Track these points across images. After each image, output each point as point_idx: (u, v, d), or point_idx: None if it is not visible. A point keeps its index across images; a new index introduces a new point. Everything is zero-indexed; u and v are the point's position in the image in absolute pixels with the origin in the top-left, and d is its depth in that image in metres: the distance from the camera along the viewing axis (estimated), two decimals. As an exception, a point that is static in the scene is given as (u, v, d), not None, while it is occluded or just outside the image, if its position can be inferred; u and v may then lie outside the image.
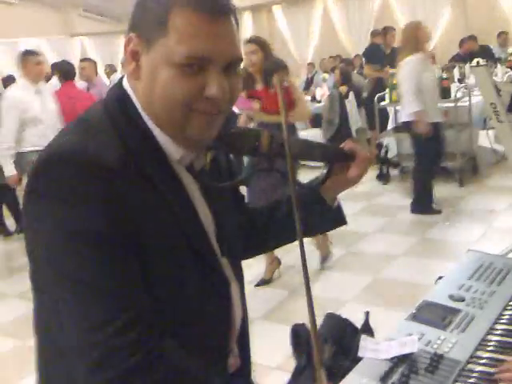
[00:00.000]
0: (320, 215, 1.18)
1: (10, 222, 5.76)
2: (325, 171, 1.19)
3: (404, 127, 4.90)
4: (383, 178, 1.38)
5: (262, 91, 3.70)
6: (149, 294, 0.85)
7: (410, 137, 4.91)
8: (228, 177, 1.11)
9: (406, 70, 4.47)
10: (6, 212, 5.78)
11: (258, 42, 3.70)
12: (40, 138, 4.09)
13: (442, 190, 5.44)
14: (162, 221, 0.88)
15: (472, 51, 8.04)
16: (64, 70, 5.00)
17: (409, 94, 4.44)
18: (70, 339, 0.81)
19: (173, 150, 0.92)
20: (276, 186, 3.13)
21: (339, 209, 1.22)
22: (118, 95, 0.93)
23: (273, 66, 3.66)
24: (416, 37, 4.55)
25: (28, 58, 4.39)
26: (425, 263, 3.75)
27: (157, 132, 0.91)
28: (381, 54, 7.43)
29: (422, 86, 4.44)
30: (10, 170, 4.28)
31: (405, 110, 4.63)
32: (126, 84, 0.93)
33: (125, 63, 0.92)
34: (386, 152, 1.26)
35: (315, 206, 1.17)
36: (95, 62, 6.56)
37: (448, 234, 4.29)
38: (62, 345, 0.84)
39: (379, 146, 1.27)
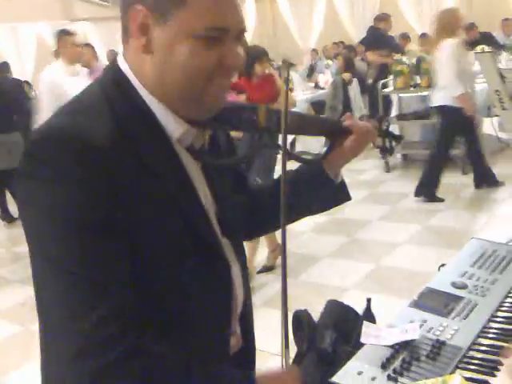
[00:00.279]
0: (324, 190, 1.16)
1: (13, 209, 5.77)
2: (326, 146, 1.18)
3: (439, 110, 4.80)
4: (387, 151, 1.37)
5: (244, 83, 3.53)
6: (145, 280, 0.84)
7: (440, 121, 4.85)
8: (228, 155, 1.10)
9: (447, 53, 4.39)
10: (9, 198, 5.79)
11: None
12: None
13: (445, 178, 5.43)
14: (158, 201, 0.86)
15: (475, 38, 7.97)
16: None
17: (452, 77, 4.35)
18: (54, 326, 0.80)
19: (173, 127, 0.91)
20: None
21: (343, 184, 1.21)
22: (114, 73, 0.91)
23: (254, 55, 3.44)
24: (453, 22, 4.53)
25: (64, 37, 4.23)
26: (427, 251, 3.75)
27: (157, 109, 0.89)
28: (386, 39, 7.35)
29: (462, 70, 4.38)
30: None
31: (441, 93, 4.54)
32: (121, 62, 0.91)
33: (128, 37, 0.88)
34: (388, 125, 1.25)
35: (319, 180, 1.15)
36: (93, 47, 6.52)
37: (451, 222, 4.28)
38: (44, 326, 0.83)
39: (380, 119, 1.26)
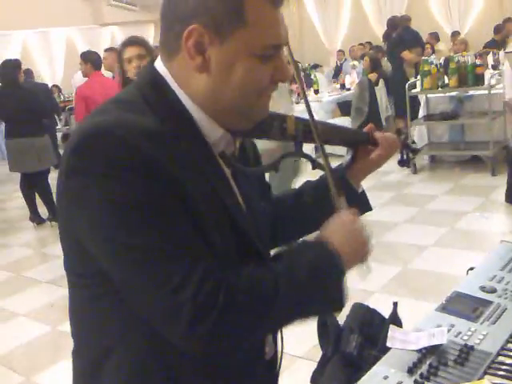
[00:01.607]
0: (347, 200, 1.16)
1: (43, 210, 5.88)
2: (349, 156, 1.20)
3: None
4: (404, 163, 1.39)
5: None
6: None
7: None
8: (255, 164, 1.11)
9: None
10: (38, 200, 5.90)
11: (146, 45, 3.09)
12: None
13: (473, 179, 5.35)
14: (206, 194, 0.88)
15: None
16: (93, 60, 5.05)
17: None
18: (155, 304, 0.81)
19: (210, 131, 0.92)
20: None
21: (364, 195, 1.22)
22: (152, 78, 0.92)
23: None
24: None
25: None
26: (455, 254, 3.69)
27: (195, 113, 0.90)
28: (418, 38, 7.37)
29: None
30: None
31: None
32: (160, 68, 0.92)
33: (175, 52, 0.88)
34: (406, 137, 1.29)
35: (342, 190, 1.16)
36: (116, 51, 6.58)
37: (479, 225, 4.20)
38: (141, 311, 0.85)
39: (399, 131, 1.27)
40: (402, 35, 7.47)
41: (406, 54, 7.19)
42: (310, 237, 0.98)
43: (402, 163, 1.35)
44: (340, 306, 0.96)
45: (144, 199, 0.80)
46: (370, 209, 1.24)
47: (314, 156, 1.08)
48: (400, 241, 4.12)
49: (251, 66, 0.86)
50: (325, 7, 12.83)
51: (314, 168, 1.07)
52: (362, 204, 1.22)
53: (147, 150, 0.80)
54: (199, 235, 0.85)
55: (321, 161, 1.06)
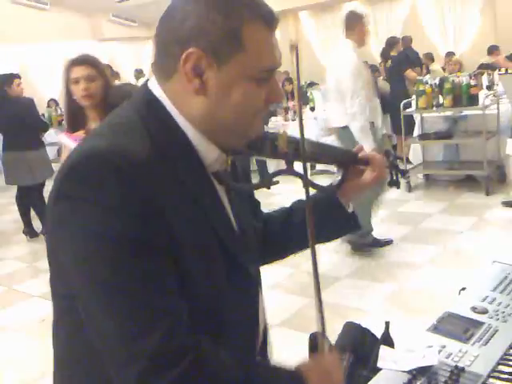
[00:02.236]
0: (336, 219, 1.19)
1: (36, 224, 5.85)
2: (339, 175, 1.21)
3: None
4: (393, 184, 1.40)
5: None
6: (184, 297, 0.84)
7: None
8: (244, 180, 1.12)
9: None
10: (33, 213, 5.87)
11: (97, 65, 2.70)
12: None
13: (468, 198, 5.36)
14: (196, 223, 0.87)
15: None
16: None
17: None
18: (112, 346, 0.79)
19: (207, 152, 0.92)
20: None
21: (354, 214, 1.23)
22: (147, 99, 0.92)
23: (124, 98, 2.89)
24: None
25: (359, 20, 4.14)
26: (449, 273, 3.69)
27: (191, 134, 0.90)
28: (419, 57, 7.68)
29: None
30: (371, 144, 3.98)
31: None
32: (155, 89, 0.92)
33: (172, 74, 0.88)
34: (394, 158, 1.30)
35: (332, 209, 1.18)
36: (111, 67, 6.63)
37: (473, 244, 4.20)
38: (100, 349, 0.82)
39: (387, 153, 1.29)
40: (406, 54, 7.69)
41: (410, 73, 7.34)
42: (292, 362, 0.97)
43: (391, 184, 1.37)
44: None
45: (126, 235, 0.78)
46: (359, 228, 1.25)
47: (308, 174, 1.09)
48: (394, 259, 4.12)
49: (248, 89, 0.88)
50: (322, 25, 12.95)
51: (304, 186, 1.08)
52: (351, 223, 1.23)
53: (140, 180, 0.80)
54: (184, 281, 0.84)
55: (312, 179, 1.07)
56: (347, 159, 1.21)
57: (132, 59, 13.80)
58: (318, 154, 1.14)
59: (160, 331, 0.77)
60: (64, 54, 13.19)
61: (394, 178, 1.35)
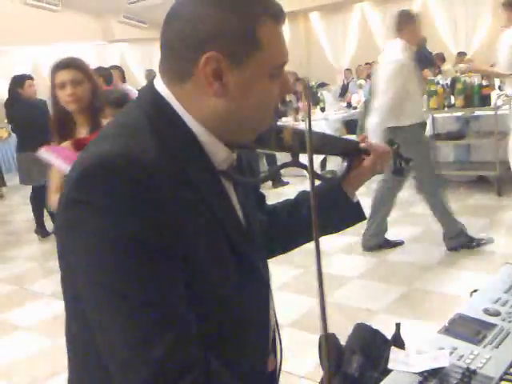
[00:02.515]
0: (341, 210, 1.19)
1: (48, 224, 5.89)
2: (344, 165, 1.21)
3: None
4: (398, 172, 1.39)
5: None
6: (195, 303, 0.84)
7: None
8: (250, 174, 1.12)
9: None
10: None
11: (83, 69, 2.57)
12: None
13: (479, 199, 5.32)
14: (207, 225, 0.87)
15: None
16: (105, 75, 5.12)
17: None
18: (118, 351, 0.79)
19: (216, 152, 0.92)
20: None
21: (359, 204, 1.23)
22: (154, 99, 0.91)
23: (112, 102, 2.63)
24: None
25: (411, 20, 4.06)
26: (459, 274, 3.67)
27: (200, 134, 0.90)
28: (432, 58, 7.69)
29: None
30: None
31: None
32: (162, 90, 0.91)
33: (185, 78, 0.87)
34: (398, 147, 1.29)
35: (338, 200, 1.18)
36: (123, 70, 6.65)
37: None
38: (106, 353, 0.82)
39: (391, 141, 1.28)
40: (420, 54, 7.63)
41: (426, 72, 7.32)
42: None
43: (395, 172, 1.36)
44: None
45: (139, 240, 0.78)
46: (364, 218, 1.24)
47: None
48: (405, 260, 4.10)
49: (265, 86, 0.89)
50: (332, 26, 12.92)
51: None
52: (356, 214, 1.23)
53: (151, 185, 0.79)
54: (196, 283, 0.84)
55: (322, 173, 1.07)
56: (350, 149, 1.21)
57: (142, 60, 13.86)
58: (322, 144, 1.14)
59: (167, 340, 0.77)
60: (75, 54, 13.36)
61: (399, 165, 1.34)
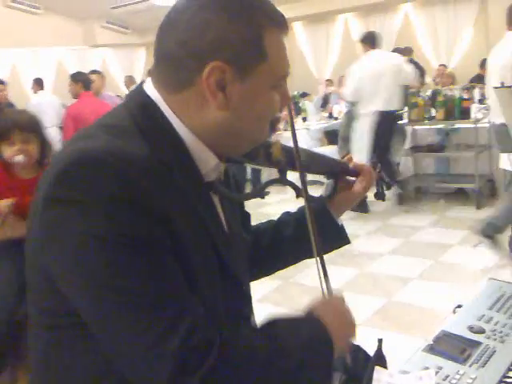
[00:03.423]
0: (325, 232, 1.13)
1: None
2: (330, 186, 1.19)
3: None
4: (380, 196, 1.39)
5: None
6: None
7: None
8: (237, 191, 1.09)
9: None
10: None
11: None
12: None
13: (458, 212, 5.35)
14: (195, 229, 0.84)
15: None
16: (84, 80, 5.04)
17: None
18: (134, 353, 0.74)
19: (205, 160, 0.88)
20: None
21: (343, 228, 1.21)
22: (142, 102, 0.87)
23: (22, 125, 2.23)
24: None
25: None
26: (439, 287, 3.66)
27: (191, 142, 0.86)
28: (418, 68, 7.68)
29: None
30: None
31: None
32: (150, 92, 0.87)
33: (182, 88, 0.84)
34: (380, 171, 1.30)
35: (323, 221, 1.14)
36: (101, 74, 6.59)
37: (463, 258, 4.18)
38: (118, 361, 0.77)
39: (374, 164, 1.27)
40: (415, 63, 7.75)
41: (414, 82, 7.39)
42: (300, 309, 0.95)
43: (377, 196, 1.36)
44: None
45: (131, 235, 0.73)
46: (348, 242, 1.22)
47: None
48: (384, 272, 4.09)
49: (269, 97, 0.86)
50: (315, 36, 12.99)
51: (297, 196, 1.05)
52: (340, 237, 1.20)
53: (138, 180, 0.75)
54: (188, 277, 0.79)
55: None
56: (338, 169, 1.18)
57: (124, 66, 13.76)
58: (310, 163, 1.11)
59: (182, 329, 0.73)
60: (56, 58, 13.21)
61: (381, 190, 1.34)
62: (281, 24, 0.86)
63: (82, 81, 5.06)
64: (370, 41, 5.53)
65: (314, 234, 0.96)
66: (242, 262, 1.01)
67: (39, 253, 0.81)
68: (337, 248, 1.22)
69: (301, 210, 1.17)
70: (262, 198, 1.00)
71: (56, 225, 0.75)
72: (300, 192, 1.03)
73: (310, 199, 1.10)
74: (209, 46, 0.80)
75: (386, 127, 5.36)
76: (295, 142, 0.96)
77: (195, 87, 0.82)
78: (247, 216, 1.19)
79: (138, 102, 0.88)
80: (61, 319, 0.83)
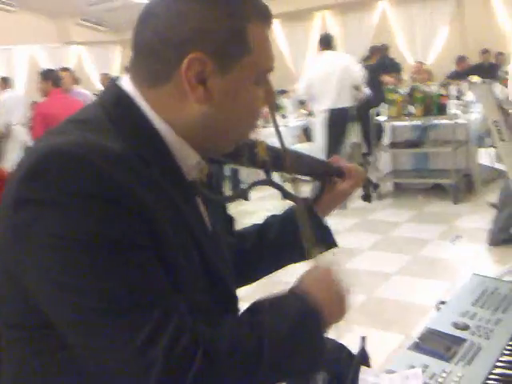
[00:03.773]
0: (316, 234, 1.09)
1: None
2: (317, 188, 1.17)
3: None
4: (366, 198, 1.40)
5: None
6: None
7: None
8: (217, 191, 1.04)
9: None
10: None
11: None
12: None
13: (436, 207, 5.39)
14: (176, 228, 0.78)
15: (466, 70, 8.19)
16: (54, 77, 4.95)
17: None
18: (115, 364, 0.69)
19: (186, 157, 0.84)
20: None
21: (330, 230, 1.18)
22: (117, 98, 0.82)
23: None
24: None
25: None
26: (419, 282, 3.67)
27: (170, 138, 0.81)
28: (396, 63, 8.10)
29: None
30: None
31: None
32: (127, 87, 0.82)
33: (162, 81, 0.79)
34: (367, 171, 1.28)
35: (311, 224, 1.09)
36: (71, 71, 6.51)
37: (442, 253, 4.21)
38: (98, 372, 0.72)
39: (360, 165, 1.28)
40: (381, 61, 7.95)
41: (385, 78, 7.50)
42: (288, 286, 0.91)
43: (364, 198, 1.34)
44: (320, 365, 0.89)
45: (109, 235, 0.68)
46: (335, 245, 1.19)
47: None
48: (365, 268, 4.08)
49: (251, 92, 0.82)
50: (293, 33, 12.99)
51: (284, 198, 1.01)
52: (328, 239, 1.18)
53: (113, 175, 0.70)
54: (171, 277, 0.74)
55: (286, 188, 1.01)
56: (325, 170, 1.15)
57: (99, 63, 13.59)
58: (298, 165, 1.08)
59: (166, 335, 0.68)
60: (29, 56, 12.98)
61: (368, 192, 1.32)
62: (265, 16, 0.82)
63: (51, 78, 4.96)
64: (324, 42, 6.00)
65: (306, 234, 0.92)
66: (226, 262, 0.97)
67: (7, 259, 0.75)
68: (326, 251, 1.17)
69: (287, 212, 1.13)
70: (246, 199, 0.96)
71: (25, 226, 0.70)
72: (286, 194, 0.99)
73: (296, 201, 1.06)
74: (188, 37, 0.76)
75: (338, 124, 5.73)
76: (281, 141, 0.93)
77: (174, 80, 0.78)
78: (231, 219, 1.15)
79: (112, 97, 0.83)
80: (33, 332, 0.77)
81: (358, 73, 6.00)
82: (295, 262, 1.12)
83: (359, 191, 1.29)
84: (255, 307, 0.84)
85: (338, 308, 0.95)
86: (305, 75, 6.08)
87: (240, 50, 0.78)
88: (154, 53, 0.78)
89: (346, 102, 5.78)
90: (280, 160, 0.96)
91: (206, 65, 0.76)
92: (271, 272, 1.17)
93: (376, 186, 1.31)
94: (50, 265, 0.69)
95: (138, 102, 0.81)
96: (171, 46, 0.76)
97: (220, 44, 0.76)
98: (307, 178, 1.17)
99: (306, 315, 0.83)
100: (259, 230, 1.16)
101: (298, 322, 0.82)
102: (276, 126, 0.99)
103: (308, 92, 5.91)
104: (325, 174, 1.16)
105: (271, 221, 1.15)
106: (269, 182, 1.00)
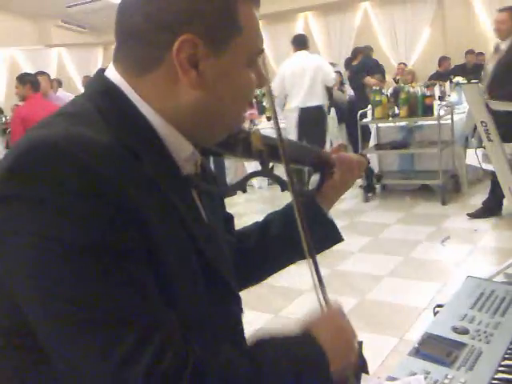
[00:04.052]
0: (316, 228, 1.03)
1: None
2: (317, 178, 1.14)
3: None
4: (370, 189, 1.38)
5: None
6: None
7: None
8: (213, 184, 1.01)
9: None
10: None
11: None
12: None
13: (424, 208, 5.41)
14: (171, 225, 0.75)
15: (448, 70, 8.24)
16: (32, 81, 4.90)
17: None
18: (92, 380, 0.64)
19: (179, 148, 0.81)
20: None
21: (334, 223, 1.14)
22: (104, 88, 0.78)
23: None
24: None
25: None
26: (410, 284, 3.67)
27: (162, 128, 0.78)
28: (379, 64, 8.09)
29: None
30: None
31: None
32: (112, 76, 0.79)
33: (151, 68, 0.76)
34: (369, 162, 1.24)
35: (314, 217, 1.07)
36: (48, 75, 6.44)
37: (433, 254, 4.22)
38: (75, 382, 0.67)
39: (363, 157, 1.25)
40: (364, 63, 7.95)
41: (368, 80, 7.51)
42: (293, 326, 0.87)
43: (365, 188, 1.32)
44: None
45: (93, 238, 0.63)
46: (341, 239, 1.15)
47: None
48: (356, 270, 4.08)
49: (243, 74, 0.79)
50: (275, 34, 12.99)
51: (283, 190, 0.97)
52: (334, 233, 1.14)
53: (99, 169, 0.65)
54: (161, 285, 0.70)
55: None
56: (320, 160, 1.12)
57: (81, 65, 13.47)
58: (296, 154, 1.05)
59: (150, 350, 0.63)
60: (9, 59, 12.81)
61: (370, 182, 1.28)
62: None
63: (29, 82, 4.90)
64: (298, 43, 6.17)
65: (304, 230, 0.88)
66: (226, 258, 0.93)
67: None
68: (329, 247, 1.14)
69: (288, 206, 1.08)
70: (244, 191, 0.93)
71: (5, 224, 0.65)
72: (285, 186, 0.94)
73: (297, 193, 1.02)
74: (178, 17, 0.73)
75: (309, 123, 5.85)
76: (278, 129, 0.89)
77: (164, 66, 0.75)
78: (230, 217, 1.11)
79: (99, 88, 0.79)
80: (17, 340, 0.72)
81: (331, 74, 6.09)
82: (301, 259, 1.07)
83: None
84: (260, 340, 0.81)
85: (346, 353, 0.88)
86: (278, 74, 6.28)
87: (231, 30, 0.75)
88: (142, 38, 0.75)
89: (317, 100, 5.86)
90: (276, 149, 0.90)
91: (198, 47, 0.74)
92: (275, 271, 1.14)
93: (379, 177, 1.29)
94: (28, 261, 0.64)
95: (126, 91, 0.78)
96: (160, 29, 0.73)
97: (211, 25, 0.74)
98: (303, 167, 1.14)
99: (313, 360, 0.80)
100: (261, 227, 1.12)
101: (302, 364, 0.78)
102: (274, 113, 0.96)
103: (281, 91, 6.04)
104: (320, 164, 1.12)
105: (272, 217, 1.12)
106: (266, 173, 0.96)
